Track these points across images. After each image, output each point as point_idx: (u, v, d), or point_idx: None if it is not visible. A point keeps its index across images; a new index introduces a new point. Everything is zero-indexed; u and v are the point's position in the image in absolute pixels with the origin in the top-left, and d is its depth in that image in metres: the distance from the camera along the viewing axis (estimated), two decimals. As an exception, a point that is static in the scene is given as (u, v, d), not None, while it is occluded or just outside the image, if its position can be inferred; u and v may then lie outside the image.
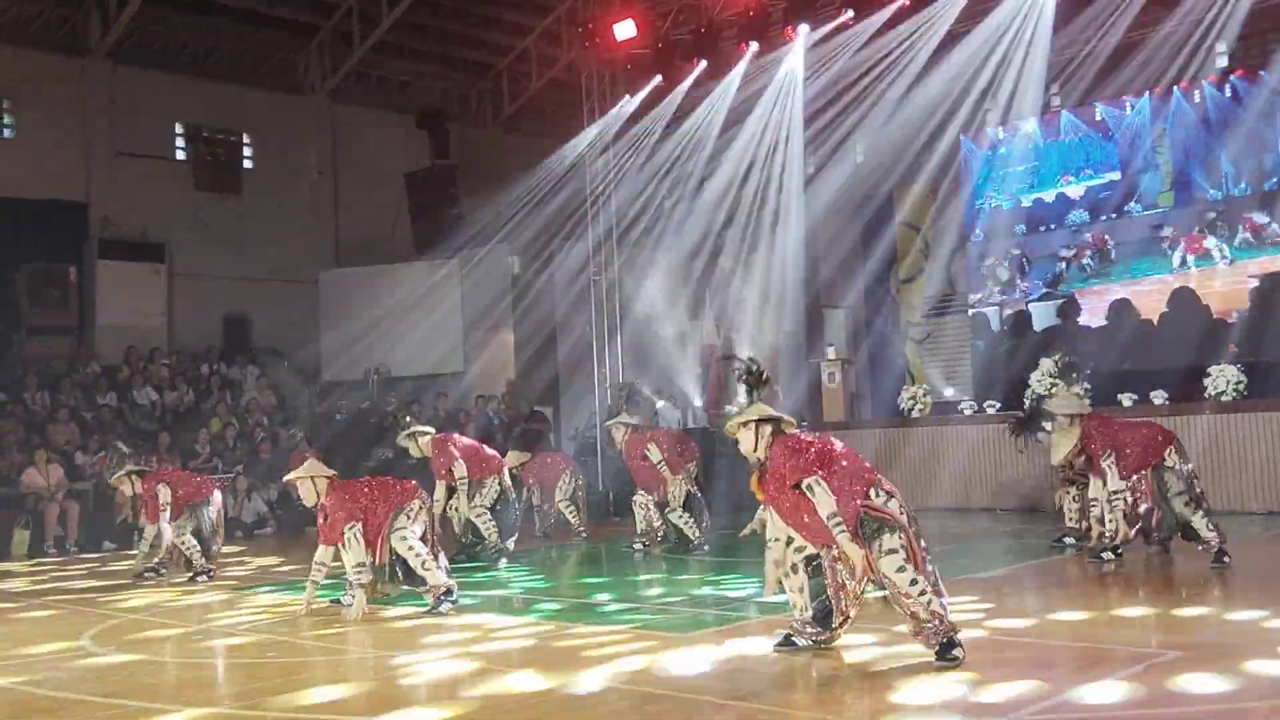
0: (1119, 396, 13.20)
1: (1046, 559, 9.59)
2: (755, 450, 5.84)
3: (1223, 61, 14.78)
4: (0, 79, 18.13)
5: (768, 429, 5.84)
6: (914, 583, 5.49)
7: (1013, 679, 5.30)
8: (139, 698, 5.54)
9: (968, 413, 14.96)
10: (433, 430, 11.36)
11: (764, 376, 6.06)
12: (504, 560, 10.72)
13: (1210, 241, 14.33)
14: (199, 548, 10.43)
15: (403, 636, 7.11)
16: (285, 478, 8.42)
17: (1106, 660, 5.51)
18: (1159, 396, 12.79)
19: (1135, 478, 8.80)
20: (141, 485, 10.67)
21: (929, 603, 5.49)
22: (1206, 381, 12.48)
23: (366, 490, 8.06)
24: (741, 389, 6.14)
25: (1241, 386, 12.34)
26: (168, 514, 10.29)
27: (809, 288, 18.94)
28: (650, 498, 11.38)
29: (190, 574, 10.36)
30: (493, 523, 10.81)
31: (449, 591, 7.91)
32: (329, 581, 8.23)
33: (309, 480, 8.04)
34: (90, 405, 16.65)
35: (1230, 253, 14.20)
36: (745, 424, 5.85)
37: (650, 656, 6.03)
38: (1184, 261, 14.57)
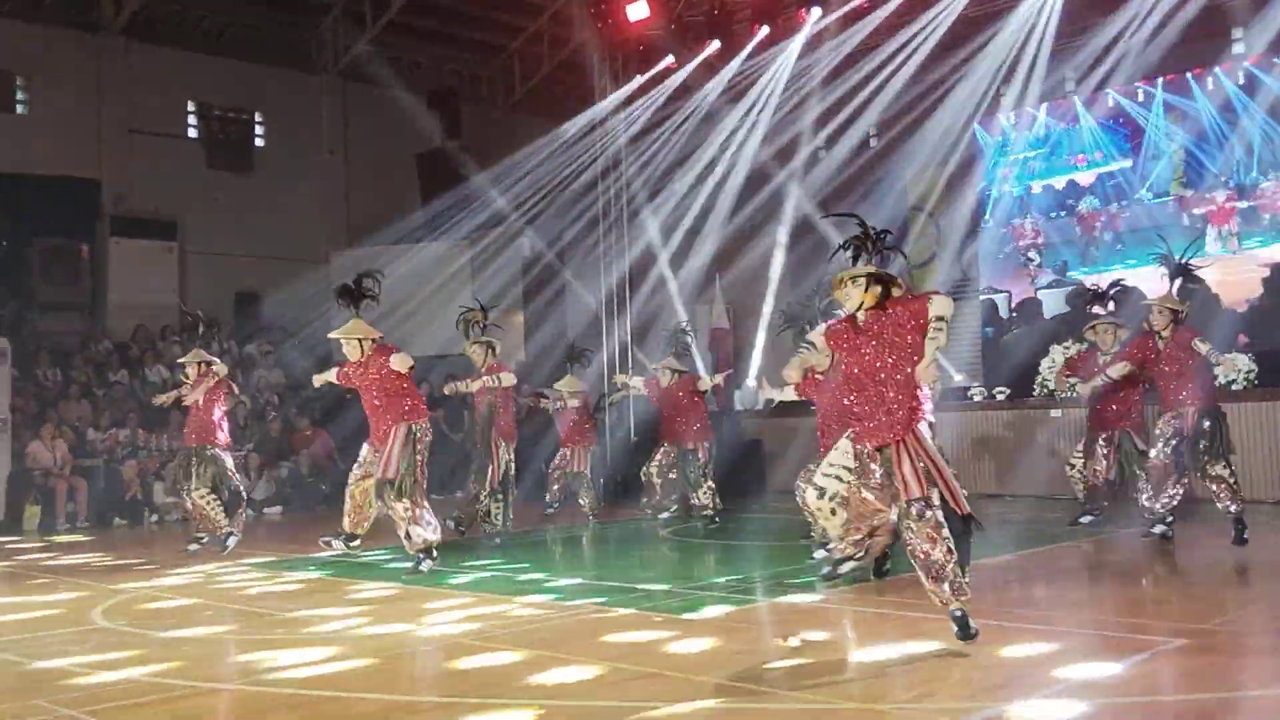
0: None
1: (1055, 545, 9.59)
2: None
3: (1239, 49, 14.68)
4: (14, 55, 18.17)
5: (878, 288, 5.65)
6: (949, 537, 5.47)
7: (1018, 663, 5.32)
8: (149, 672, 5.59)
9: (977, 399, 14.95)
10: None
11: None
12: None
13: (1232, 223, 14.21)
14: (220, 504, 10.28)
15: (415, 614, 7.15)
16: (331, 334, 8.48)
17: (1112, 647, 5.52)
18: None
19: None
20: (195, 374, 10.40)
21: (955, 558, 5.46)
22: (1218, 370, 12.43)
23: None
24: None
25: (1252, 375, 12.32)
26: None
27: (820, 270, 18.88)
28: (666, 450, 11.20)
29: (221, 540, 10.21)
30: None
31: (429, 550, 8.01)
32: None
33: (355, 341, 8.16)
34: (102, 382, 16.72)
35: (1240, 240, 14.10)
36: (856, 279, 5.61)
37: (653, 637, 6.06)
38: (1212, 240, 14.42)
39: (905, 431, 5.52)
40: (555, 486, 13.18)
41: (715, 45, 17.28)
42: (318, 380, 8.82)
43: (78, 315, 18.51)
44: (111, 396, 16.37)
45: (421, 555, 7.94)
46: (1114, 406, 9.82)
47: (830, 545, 6.04)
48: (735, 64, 17.26)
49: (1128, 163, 15.18)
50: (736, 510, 12.94)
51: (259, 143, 21.04)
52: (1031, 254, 16.24)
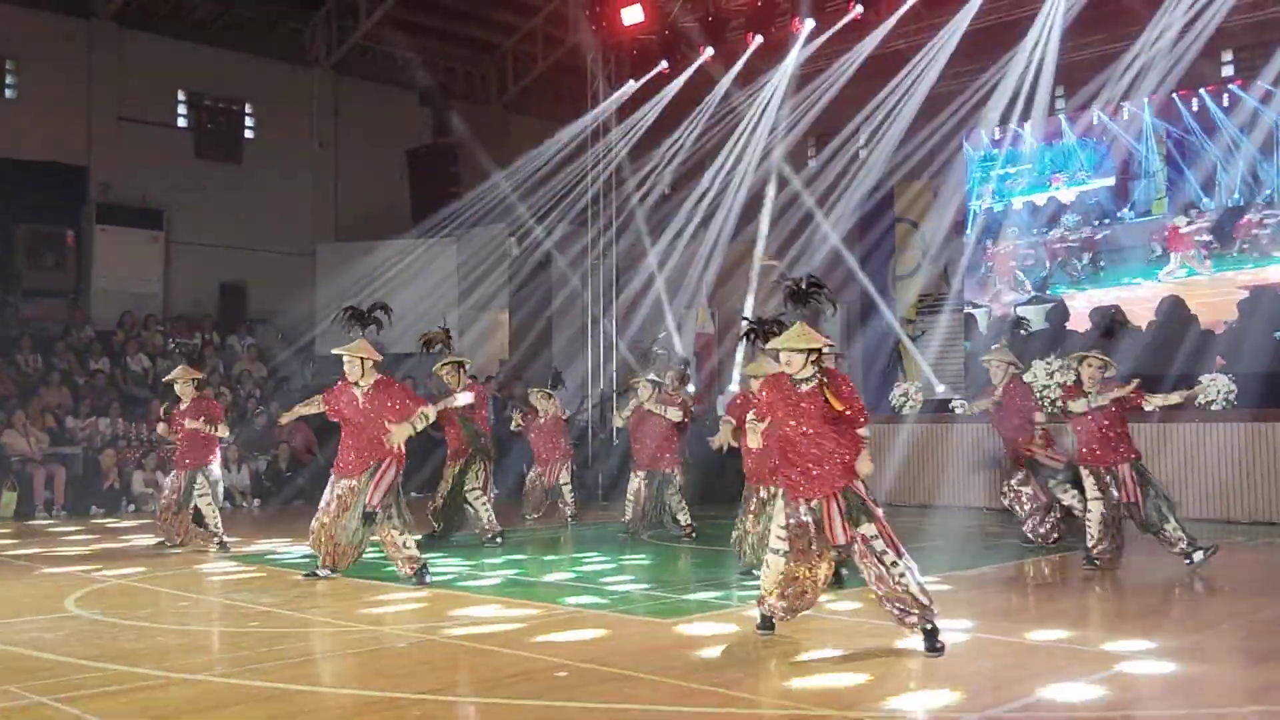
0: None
1: (1030, 559, 9.64)
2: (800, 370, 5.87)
3: (1228, 70, 14.80)
4: (4, 39, 18.08)
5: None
6: (894, 564, 5.66)
7: (990, 674, 5.36)
8: (122, 661, 5.59)
9: (959, 411, 15.00)
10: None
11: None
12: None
13: (1197, 250, 14.35)
14: (217, 513, 10.25)
15: (381, 609, 7.15)
16: (335, 350, 8.53)
17: (1086, 660, 5.56)
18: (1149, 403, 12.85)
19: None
20: (191, 395, 10.29)
21: (909, 584, 5.63)
22: (1198, 389, 12.55)
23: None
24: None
25: (1232, 396, 12.42)
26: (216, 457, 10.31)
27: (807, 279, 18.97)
28: (642, 478, 11.22)
29: (215, 543, 10.16)
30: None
31: (425, 567, 8.09)
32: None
33: (358, 360, 8.29)
34: (83, 370, 16.64)
35: (1213, 263, 14.22)
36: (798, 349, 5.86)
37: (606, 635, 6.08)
38: (1174, 265, 14.56)
39: (841, 484, 5.79)
40: (533, 499, 12.93)
41: (709, 53, 17.33)
42: (285, 419, 8.82)
43: (61, 302, 18.43)
44: (92, 385, 16.30)
45: (420, 570, 8.08)
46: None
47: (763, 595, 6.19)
48: (727, 72, 17.32)
49: (1110, 181, 15.28)
50: (716, 516, 12.96)
51: (248, 134, 20.98)
52: (1010, 270, 16.33)
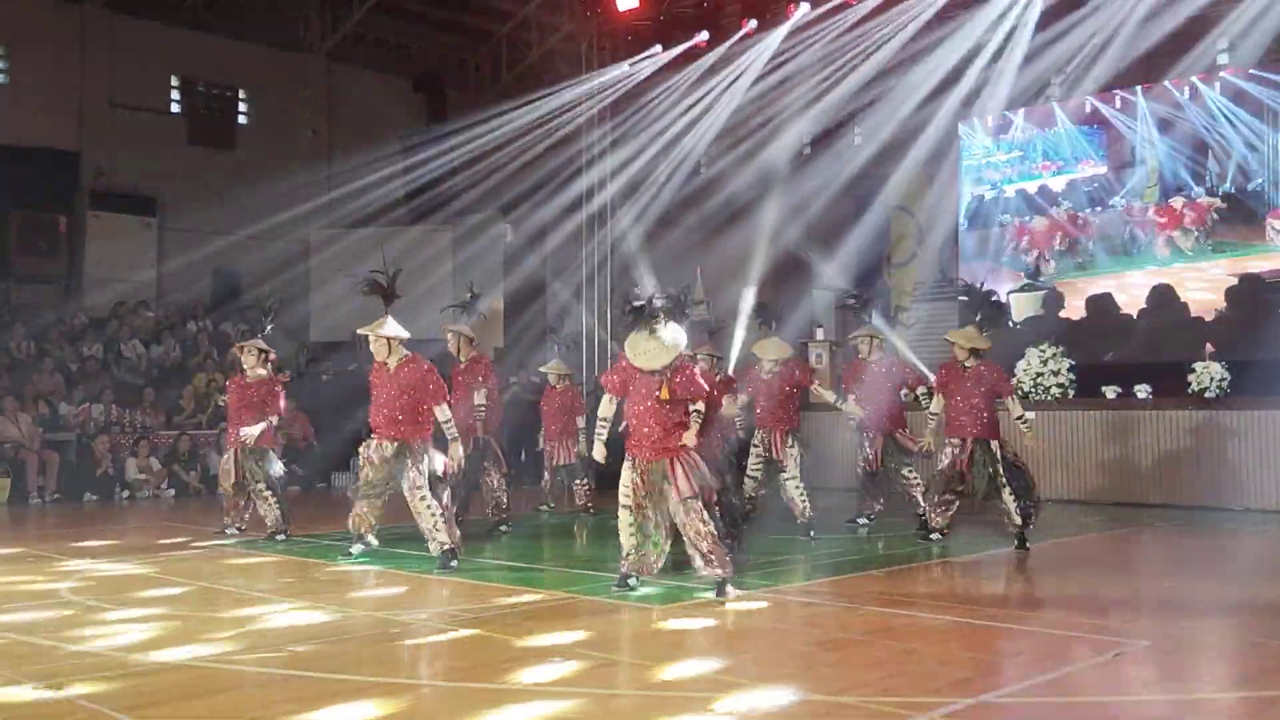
0: (1103, 389, 13.28)
1: (1018, 547, 9.64)
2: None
3: (1223, 59, 14.76)
4: (-4, 24, 18.01)
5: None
6: (706, 521, 6.72)
7: (983, 660, 5.37)
8: (114, 647, 5.59)
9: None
10: None
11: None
12: None
13: (1190, 234, 14.32)
14: (276, 502, 10.01)
15: (385, 598, 7.15)
16: (361, 330, 8.34)
17: (1076, 645, 5.58)
18: (1142, 390, 12.89)
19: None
20: (254, 361, 10.16)
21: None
22: (1191, 378, 12.57)
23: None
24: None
25: (1225, 384, 12.43)
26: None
27: (801, 268, 18.99)
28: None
29: (270, 532, 9.96)
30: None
31: (454, 551, 8.06)
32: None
33: (384, 340, 8.15)
34: (75, 356, 16.61)
35: (1210, 249, 14.20)
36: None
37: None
38: (1165, 253, 14.54)
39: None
40: (547, 480, 12.69)
41: (703, 36, 17.29)
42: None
43: (54, 288, 18.39)
44: (85, 371, 16.27)
45: (448, 553, 8.10)
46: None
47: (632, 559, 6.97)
48: (724, 56, 17.28)
49: (1101, 169, 15.26)
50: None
51: (242, 120, 20.91)
52: (1003, 257, 16.30)
